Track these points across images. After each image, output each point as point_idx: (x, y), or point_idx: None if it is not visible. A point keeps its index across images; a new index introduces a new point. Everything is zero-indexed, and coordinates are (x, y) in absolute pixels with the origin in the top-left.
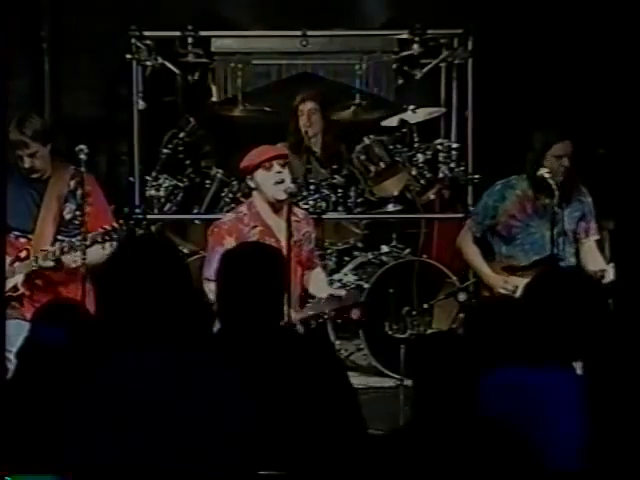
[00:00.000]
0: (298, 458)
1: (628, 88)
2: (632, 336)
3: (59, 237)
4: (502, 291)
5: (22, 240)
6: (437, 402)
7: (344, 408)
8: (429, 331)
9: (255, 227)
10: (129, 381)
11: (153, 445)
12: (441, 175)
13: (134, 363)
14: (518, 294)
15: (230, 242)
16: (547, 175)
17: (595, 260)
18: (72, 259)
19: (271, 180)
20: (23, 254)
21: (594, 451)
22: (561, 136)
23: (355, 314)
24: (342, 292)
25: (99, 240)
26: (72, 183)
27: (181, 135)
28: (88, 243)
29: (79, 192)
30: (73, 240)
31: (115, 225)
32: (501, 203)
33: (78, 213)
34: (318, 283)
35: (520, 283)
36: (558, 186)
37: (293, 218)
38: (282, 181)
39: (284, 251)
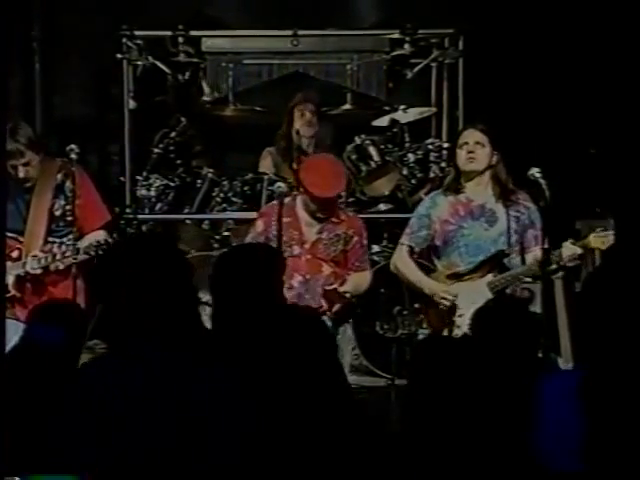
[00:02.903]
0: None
1: (620, 86)
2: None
3: (50, 238)
4: (443, 301)
5: (13, 240)
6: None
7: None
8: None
9: (283, 218)
10: (127, 382)
11: (151, 445)
12: (432, 175)
13: (132, 363)
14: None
15: (259, 225)
16: (538, 175)
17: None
18: (60, 264)
19: None
20: (14, 254)
21: (594, 451)
22: (467, 124)
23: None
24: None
25: (92, 253)
26: (59, 177)
27: (172, 135)
28: (80, 254)
29: (67, 185)
30: (63, 246)
31: (108, 239)
32: (433, 209)
33: (68, 208)
34: (348, 283)
35: (461, 290)
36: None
37: (334, 219)
38: None
39: (307, 246)
